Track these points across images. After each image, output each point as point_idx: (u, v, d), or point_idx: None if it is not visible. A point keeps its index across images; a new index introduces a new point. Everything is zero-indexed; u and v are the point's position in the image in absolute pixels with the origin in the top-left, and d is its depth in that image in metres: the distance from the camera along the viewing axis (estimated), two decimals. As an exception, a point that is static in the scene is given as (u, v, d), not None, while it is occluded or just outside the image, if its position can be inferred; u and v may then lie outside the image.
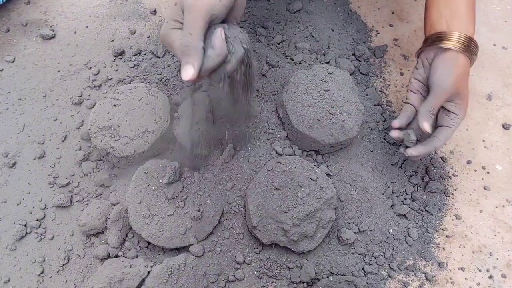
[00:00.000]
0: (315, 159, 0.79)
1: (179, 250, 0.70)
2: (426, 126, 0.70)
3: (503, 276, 0.76)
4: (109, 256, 0.70)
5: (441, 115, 0.73)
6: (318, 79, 0.78)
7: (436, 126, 0.73)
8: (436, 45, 0.72)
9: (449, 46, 0.71)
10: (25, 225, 0.73)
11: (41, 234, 0.72)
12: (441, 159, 0.86)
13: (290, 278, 0.71)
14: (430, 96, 0.71)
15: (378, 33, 1.01)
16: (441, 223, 0.80)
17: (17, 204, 0.74)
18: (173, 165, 0.68)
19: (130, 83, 0.86)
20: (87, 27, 0.94)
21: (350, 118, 0.76)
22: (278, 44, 0.92)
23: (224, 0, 0.52)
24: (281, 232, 0.68)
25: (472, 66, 0.76)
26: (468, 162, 0.86)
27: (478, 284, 0.76)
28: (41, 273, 0.70)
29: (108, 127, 0.73)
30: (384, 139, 0.86)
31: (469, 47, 0.71)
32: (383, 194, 0.79)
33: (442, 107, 0.73)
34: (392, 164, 0.83)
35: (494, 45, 1.01)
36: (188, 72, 0.50)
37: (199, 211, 0.68)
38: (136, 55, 0.90)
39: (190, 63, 0.50)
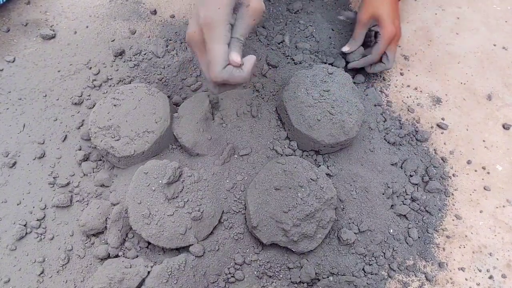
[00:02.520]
0: (315, 159, 0.79)
1: (179, 250, 0.70)
2: (344, 48, 0.90)
3: (503, 276, 0.76)
4: (109, 256, 0.70)
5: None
6: (318, 79, 0.78)
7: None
8: None
9: None
10: (25, 225, 0.73)
11: (41, 234, 0.72)
12: (441, 159, 0.86)
13: (290, 278, 0.71)
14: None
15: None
16: (441, 223, 0.80)
17: (17, 204, 0.74)
18: (173, 165, 0.68)
19: (130, 83, 0.86)
20: (87, 27, 0.94)
21: (350, 118, 0.76)
22: (278, 44, 0.92)
23: None
24: (281, 232, 0.68)
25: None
26: (468, 162, 0.86)
27: (478, 284, 0.76)
28: (41, 273, 0.70)
29: (108, 127, 0.73)
30: (384, 139, 0.86)
31: None
32: (383, 194, 0.79)
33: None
34: (392, 164, 0.83)
35: (494, 45, 1.01)
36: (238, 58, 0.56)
37: (199, 211, 0.68)
38: (136, 55, 0.90)
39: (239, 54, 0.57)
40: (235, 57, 0.56)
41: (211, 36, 0.54)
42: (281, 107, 0.79)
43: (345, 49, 0.90)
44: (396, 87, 0.94)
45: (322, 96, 0.77)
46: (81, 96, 0.85)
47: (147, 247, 0.71)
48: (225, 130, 0.77)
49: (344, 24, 0.99)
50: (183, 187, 0.69)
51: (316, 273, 0.71)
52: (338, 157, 0.80)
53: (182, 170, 0.70)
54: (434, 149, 0.87)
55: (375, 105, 0.89)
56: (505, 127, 0.91)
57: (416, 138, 0.87)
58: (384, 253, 0.75)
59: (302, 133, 0.75)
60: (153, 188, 0.68)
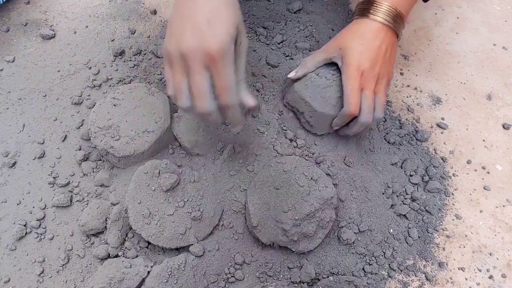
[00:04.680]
0: (315, 160, 0.79)
1: (179, 250, 0.70)
2: (290, 74, 0.74)
3: (503, 276, 0.76)
4: (109, 256, 0.70)
5: None
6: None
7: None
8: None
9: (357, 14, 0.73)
10: (25, 225, 0.73)
11: (41, 234, 0.72)
12: (441, 159, 0.86)
13: (290, 278, 0.71)
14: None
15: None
16: (441, 223, 0.80)
17: (17, 204, 0.74)
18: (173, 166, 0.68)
19: (130, 83, 0.86)
20: (87, 26, 0.94)
21: None
22: (278, 44, 0.92)
23: None
24: (281, 232, 0.68)
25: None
26: (468, 162, 0.86)
27: (478, 284, 0.76)
28: (41, 273, 0.70)
29: (108, 127, 0.73)
30: (384, 139, 0.86)
31: (368, 9, 0.71)
32: (383, 194, 0.79)
33: None
34: (392, 164, 0.83)
35: (494, 45, 1.01)
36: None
37: (199, 211, 0.68)
38: (136, 55, 0.90)
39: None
40: (252, 101, 0.57)
41: (225, 62, 0.52)
42: (295, 100, 0.78)
43: (291, 74, 0.75)
44: (396, 87, 0.94)
45: (334, 74, 0.75)
46: (81, 96, 0.85)
47: (147, 247, 0.71)
48: (225, 130, 0.77)
49: (345, 24, 0.99)
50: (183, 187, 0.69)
51: (316, 273, 0.71)
52: (338, 156, 0.80)
53: (182, 171, 0.70)
54: (434, 149, 0.87)
55: (375, 105, 0.89)
56: (505, 127, 0.91)
57: (416, 138, 0.87)
58: (384, 253, 0.75)
59: (326, 114, 0.75)
60: (153, 188, 0.68)
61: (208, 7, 0.52)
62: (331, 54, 0.72)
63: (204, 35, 0.51)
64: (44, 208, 0.74)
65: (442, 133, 0.89)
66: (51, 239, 0.72)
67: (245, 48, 0.56)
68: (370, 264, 0.74)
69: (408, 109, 0.91)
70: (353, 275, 0.72)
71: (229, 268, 0.70)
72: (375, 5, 0.70)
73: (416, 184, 0.82)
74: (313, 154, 0.79)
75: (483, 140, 0.89)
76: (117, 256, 0.69)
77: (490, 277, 0.76)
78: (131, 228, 0.69)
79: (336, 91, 0.75)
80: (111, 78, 0.87)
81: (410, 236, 0.77)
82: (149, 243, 0.70)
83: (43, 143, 0.80)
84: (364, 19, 0.71)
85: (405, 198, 0.80)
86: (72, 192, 0.76)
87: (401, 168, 0.83)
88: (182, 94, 0.55)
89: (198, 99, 0.54)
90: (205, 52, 0.51)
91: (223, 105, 0.55)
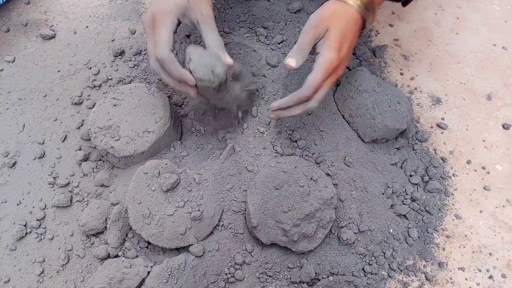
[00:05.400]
0: (315, 159, 0.79)
1: (179, 250, 0.70)
2: (288, 61, 0.64)
3: (503, 276, 0.76)
4: (109, 256, 0.70)
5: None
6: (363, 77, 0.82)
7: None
8: None
9: None
10: (25, 225, 0.73)
11: (41, 234, 0.72)
12: (441, 159, 0.86)
13: (290, 278, 0.71)
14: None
15: (378, 33, 1.01)
16: (441, 223, 0.80)
17: (17, 204, 0.74)
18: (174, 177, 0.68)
19: (130, 83, 0.86)
20: (87, 27, 0.94)
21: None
22: (278, 44, 0.92)
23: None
24: (281, 232, 0.68)
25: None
26: (468, 162, 0.86)
27: (478, 284, 0.76)
28: (41, 273, 0.70)
29: (108, 127, 0.73)
30: (384, 139, 0.86)
31: None
32: (383, 194, 0.79)
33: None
34: (392, 164, 0.83)
35: (494, 45, 1.01)
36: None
37: (199, 211, 0.68)
38: (136, 55, 0.90)
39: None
40: (229, 60, 0.65)
41: (161, 22, 0.66)
42: (356, 107, 0.80)
43: (291, 62, 0.64)
44: (396, 87, 0.94)
45: (379, 86, 0.81)
46: (81, 96, 0.85)
47: (147, 247, 0.71)
48: (225, 130, 0.77)
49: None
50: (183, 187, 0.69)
51: (316, 273, 0.71)
52: (338, 157, 0.80)
53: (183, 171, 0.70)
54: (434, 149, 0.87)
55: (375, 105, 0.89)
56: (505, 127, 0.91)
57: (416, 138, 0.87)
58: (384, 253, 0.75)
59: (383, 123, 0.78)
60: (153, 188, 0.68)
61: None
62: (320, 34, 0.66)
63: (155, 3, 0.67)
64: (44, 208, 0.74)
65: (442, 133, 0.89)
66: (51, 239, 0.72)
67: (210, 16, 0.67)
68: (370, 264, 0.74)
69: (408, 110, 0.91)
70: (353, 275, 0.72)
71: (229, 268, 0.70)
72: None
73: (416, 184, 0.82)
74: (313, 154, 0.79)
75: (483, 140, 0.89)
76: (117, 256, 0.69)
77: (490, 277, 0.76)
78: (131, 228, 0.69)
79: (395, 96, 0.81)
80: (111, 78, 0.87)
81: (410, 236, 0.77)
82: (149, 243, 0.70)
83: (43, 143, 0.80)
84: (340, 3, 0.67)
85: (405, 198, 0.80)
86: (72, 192, 0.76)
87: (401, 168, 0.83)
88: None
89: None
90: (151, 16, 0.66)
91: (157, 58, 0.65)
